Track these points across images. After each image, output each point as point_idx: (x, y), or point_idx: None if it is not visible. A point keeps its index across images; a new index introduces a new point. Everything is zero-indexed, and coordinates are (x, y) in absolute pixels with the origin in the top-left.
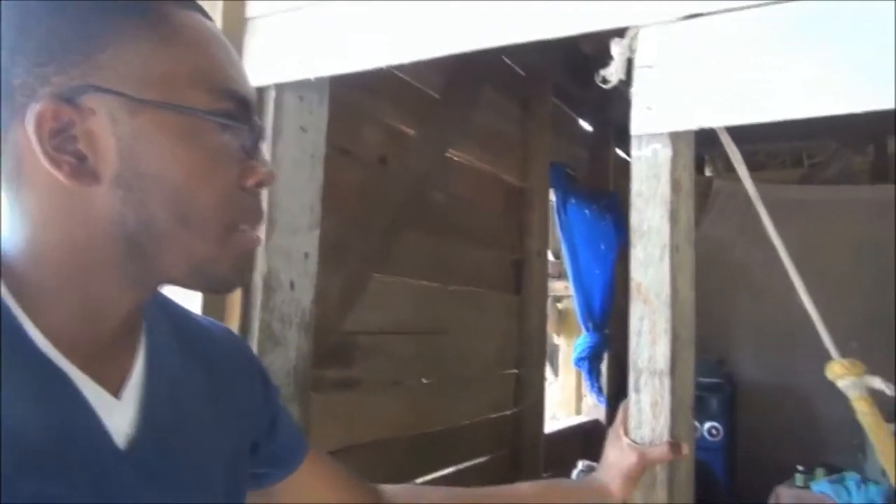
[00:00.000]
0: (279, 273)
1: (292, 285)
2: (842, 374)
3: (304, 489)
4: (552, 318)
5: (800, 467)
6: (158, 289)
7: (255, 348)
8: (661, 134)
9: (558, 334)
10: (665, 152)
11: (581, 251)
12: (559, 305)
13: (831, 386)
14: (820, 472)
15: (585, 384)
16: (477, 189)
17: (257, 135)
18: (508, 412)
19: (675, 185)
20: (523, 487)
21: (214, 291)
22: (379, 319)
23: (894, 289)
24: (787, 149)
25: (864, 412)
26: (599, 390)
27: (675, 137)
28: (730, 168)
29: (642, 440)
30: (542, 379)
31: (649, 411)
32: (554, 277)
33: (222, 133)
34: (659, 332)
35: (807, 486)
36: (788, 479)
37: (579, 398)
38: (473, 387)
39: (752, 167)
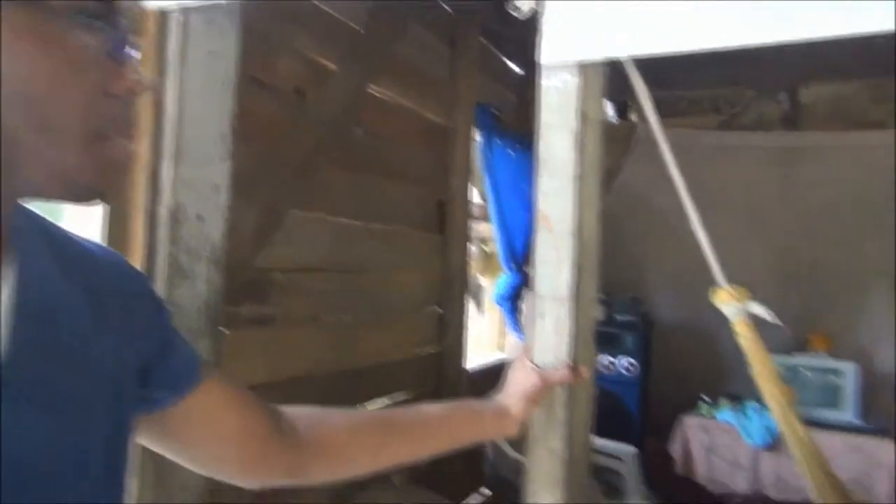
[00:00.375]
0: (186, 205)
1: (201, 218)
2: (726, 299)
3: (200, 413)
4: (478, 259)
5: (705, 398)
6: (22, 202)
7: (161, 281)
8: (570, 64)
9: (483, 275)
10: (573, 82)
11: (504, 192)
12: (485, 247)
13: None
14: (723, 401)
15: (507, 322)
16: (400, 127)
17: (123, 37)
18: (431, 350)
19: (583, 116)
20: (428, 409)
21: (80, 202)
22: (296, 256)
23: (804, 230)
24: (707, 97)
25: (745, 336)
26: (520, 328)
27: (584, 68)
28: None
29: (544, 364)
30: (463, 317)
31: (552, 337)
32: (479, 219)
33: (82, 33)
34: (562, 260)
35: (711, 415)
36: (695, 409)
37: (503, 336)
38: (395, 324)
39: (675, 113)
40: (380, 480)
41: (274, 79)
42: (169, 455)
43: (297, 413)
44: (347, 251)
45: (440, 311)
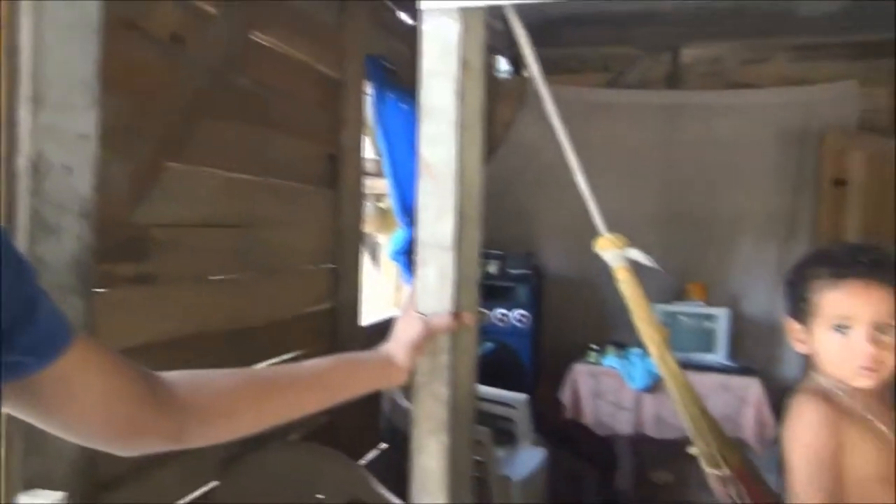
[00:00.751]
0: (48, 155)
1: (67, 169)
2: (607, 246)
3: (69, 378)
4: (373, 215)
5: (593, 346)
6: None
7: (24, 236)
8: (450, 9)
9: (380, 231)
10: (454, 28)
11: (397, 146)
12: (380, 203)
13: None
14: (610, 348)
15: (403, 278)
16: (289, 78)
17: None
18: (325, 306)
19: (465, 64)
20: (311, 364)
21: None
22: (178, 211)
23: (683, 183)
24: (597, 55)
25: (624, 280)
26: None
27: (465, 13)
28: (547, 70)
29: (429, 312)
30: (358, 274)
31: (436, 284)
32: (373, 174)
33: None
34: (445, 208)
35: (598, 362)
36: (584, 357)
37: (399, 292)
38: (287, 281)
39: (566, 70)
40: (275, 438)
41: (148, 23)
42: (38, 423)
43: (175, 376)
44: (234, 206)
45: (334, 267)
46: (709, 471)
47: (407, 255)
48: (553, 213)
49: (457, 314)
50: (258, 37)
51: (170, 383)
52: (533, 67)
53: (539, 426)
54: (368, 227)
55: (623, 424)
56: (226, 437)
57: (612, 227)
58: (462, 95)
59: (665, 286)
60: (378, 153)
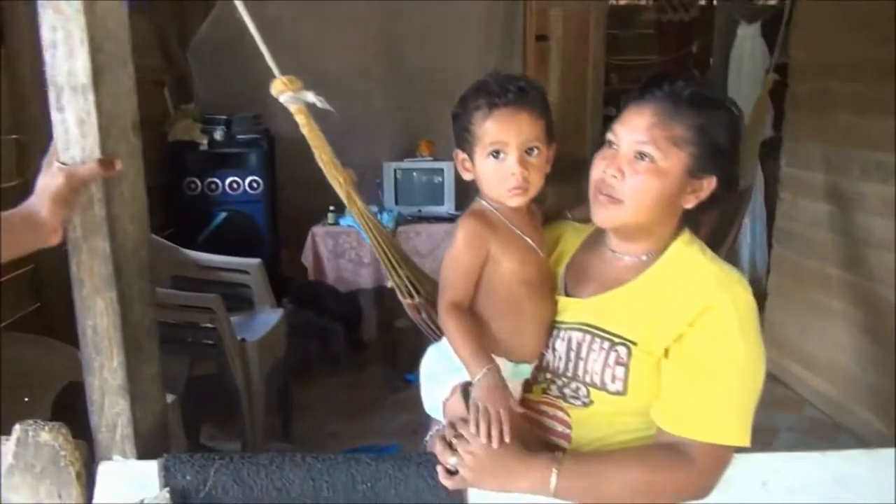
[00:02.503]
0: None
1: None
2: (282, 89)
3: None
4: None
5: (332, 207)
6: None
7: None
8: None
9: None
10: None
11: None
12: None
13: (357, 134)
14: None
15: None
16: None
17: None
18: (11, 182)
19: None
20: None
21: None
22: None
23: (407, 45)
24: None
25: (303, 123)
26: None
27: None
28: None
29: (73, 160)
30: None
31: (76, 130)
32: None
33: None
34: (75, 43)
35: (336, 223)
36: (323, 219)
37: None
38: None
39: None
40: None
41: None
42: None
43: None
44: None
45: (18, 138)
46: (404, 301)
47: None
48: (282, 71)
49: (104, 160)
50: None
51: None
52: None
53: (286, 290)
54: None
55: (365, 279)
56: None
57: (340, 86)
58: None
59: (398, 144)
60: None
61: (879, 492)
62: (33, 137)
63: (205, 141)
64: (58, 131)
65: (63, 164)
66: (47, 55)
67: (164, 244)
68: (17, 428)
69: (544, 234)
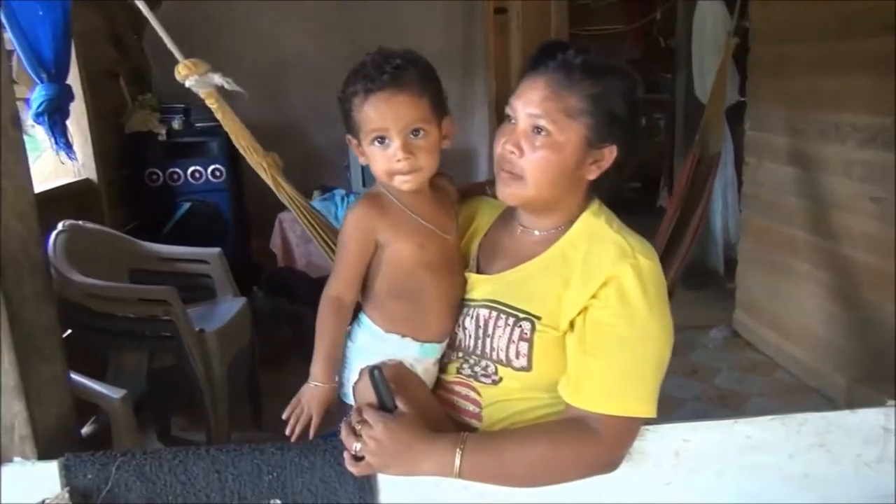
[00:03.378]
0: None
1: None
2: (186, 73)
3: None
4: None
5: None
6: None
7: None
8: None
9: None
10: None
11: None
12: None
13: (322, 116)
14: (316, 193)
15: (51, 141)
16: None
17: None
18: None
19: None
20: None
21: None
22: None
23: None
24: None
25: (215, 107)
26: (68, 146)
27: None
28: None
29: None
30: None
31: None
32: None
33: None
34: None
35: None
36: None
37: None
38: None
39: None
40: None
41: None
42: None
43: None
44: None
45: None
46: None
47: (51, 115)
48: (237, 56)
49: None
50: None
51: None
52: None
53: (257, 277)
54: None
55: None
56: None
57: (302, 69)
58: None
59: None
60: None
61: (790, 458)
62: None
63: (163, 131)
64: None
65: None
66: None
67: (120, 237)
68: None
69: (461, 210)
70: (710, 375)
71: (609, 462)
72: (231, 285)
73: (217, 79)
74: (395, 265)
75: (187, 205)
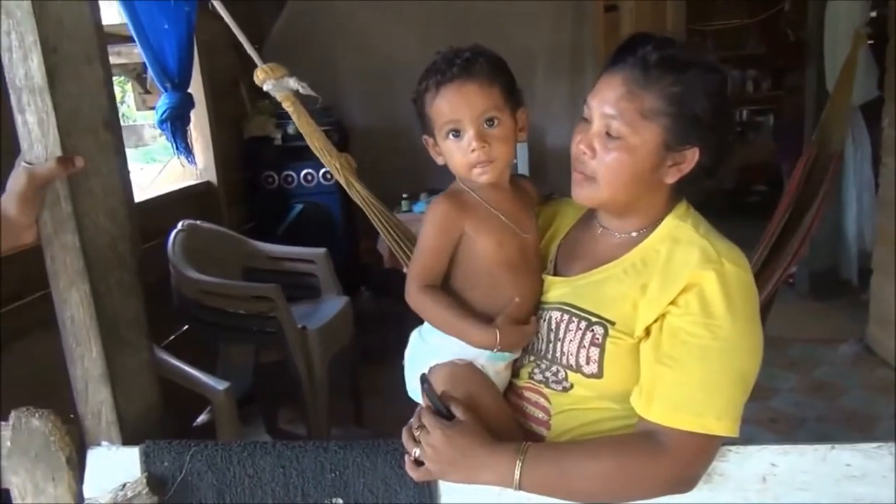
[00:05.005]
0: None
1: None
2: (264, 77)
3: None
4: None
5: (405, 195)
6: None
7: None
8: None
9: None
10: None
11: (141, 8)
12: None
13: (414, 119)
14: (423, 195)
15: (172, 146)
16: None
17: None
18: None
19: None
20: None
21: None
22: None
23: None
24: None
25: (291, 110)
26: (187, 150)
27: None
28: None
29: (38, 159)
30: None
31: (37, 130)
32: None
33: None
34: (29, 46)
35: (410, 210)
36: (396, 207)
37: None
38: None
39: None
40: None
41: None
42: None
43: None
44: None
45: None
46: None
47: (174, 122)
48: (353, 62)
49: (64, 159)
50: None
51: None
52: None
53: (364, 277)
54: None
55: None
56: None
57: (409, 71)
58: None
59: None
60: (123, 17)
61: (890, 488)
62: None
63: (279, 135)
64: (21, 132)
65: (28, 163)
66: (4, 59)
67: (234, 237)
68: (12, 414)
69: (542, 211)
70: (836, 394)
71: (681, 481)
72: (335, 284)
73: (293, 83)
74: (472, 261)
75: (300, 206)
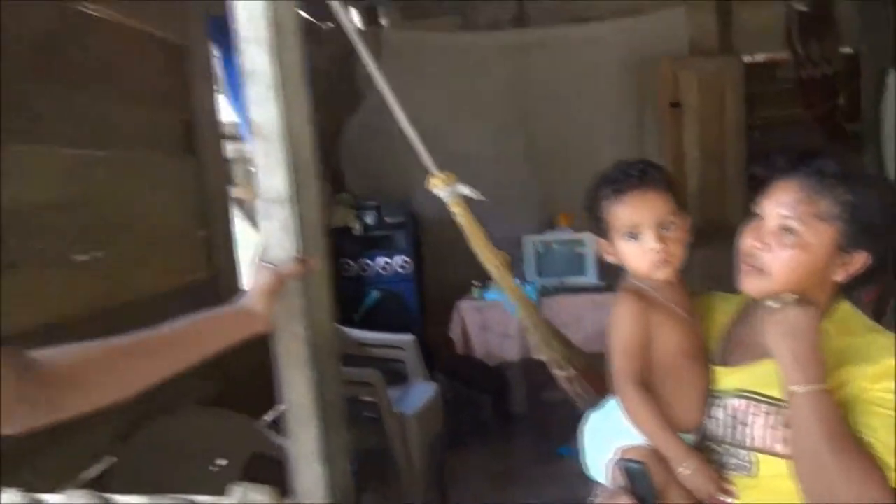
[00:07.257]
0: None
1: None
2: (438, 184)
3: None
4: (245, 180)
5: (475, 282)
6: None
7: None
8: None
9: (252, 197)
10: None
11: None
12: (252, 167)
13: (496, 208)
14: (491, 283)
15: None
16: (128, 47)
17: None
18: (202, 275)
19: (278, 27)
20: (171, 325)
21: None
22: (26, 194)
23: (540, 121)
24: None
25: (459, 213)
26: None
27: None
28: (403, 17)
29: (277, 261)
30: (231, 239)
31: (278, 235)
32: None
33: None
34: (275, 164)
35: (481, 297)
36: (467, 294)
37: None
38: (154, 255)
39: (418, 16)
40: (176, 404)
41: None
42: None
43: (44, 353)
44: (86, 182)
45: (205, 235)
46: (556, 373)
47: None
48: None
49: (302, 260)
50: (89, 8)
51: (45, 362)
52: (344, 21)
53: (434, 364)
54: (242, 191)
55: (511, 352)
56: (98, 403)
57: (478, 167)
58: (278, 57)
59: (539, 218)
60: (235, 114)
61: None
62: (217, 235)
63: (357, 225)
64: (265, 236)
65: (270, 263)
66: (259, 174)
67: None
68: (234, 489)
69: (695, 305)
70: None
71: None
72: (423, 370)
73: (463, 189)
74: (656, 355)
75: (376, 293)
